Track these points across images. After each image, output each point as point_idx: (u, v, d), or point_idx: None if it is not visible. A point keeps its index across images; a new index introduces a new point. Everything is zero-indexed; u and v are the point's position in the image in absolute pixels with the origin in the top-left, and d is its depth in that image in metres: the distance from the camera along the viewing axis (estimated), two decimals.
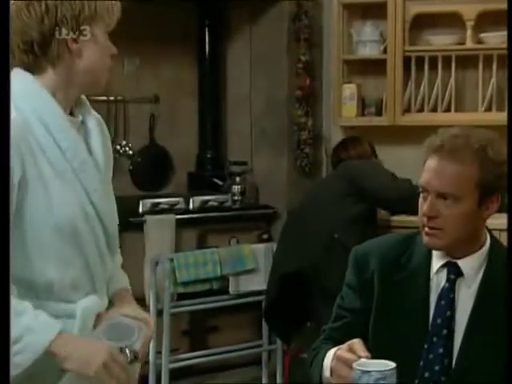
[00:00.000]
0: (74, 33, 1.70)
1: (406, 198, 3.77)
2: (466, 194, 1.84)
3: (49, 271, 1.68)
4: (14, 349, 1.57)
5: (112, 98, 4.62)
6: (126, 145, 4.72)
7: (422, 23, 4.42)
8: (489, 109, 4.31)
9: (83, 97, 1.83)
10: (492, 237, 1.97)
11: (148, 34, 4.60)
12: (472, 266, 1.90)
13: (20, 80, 1.70)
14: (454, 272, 1.90)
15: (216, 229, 4.46)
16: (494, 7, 4.25)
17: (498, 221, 2.23)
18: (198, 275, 4.02)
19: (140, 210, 4.22)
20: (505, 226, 2.03)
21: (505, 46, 4.26)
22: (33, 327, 1.61)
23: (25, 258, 1.66)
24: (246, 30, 4.79)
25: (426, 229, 1.87)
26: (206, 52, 4.82)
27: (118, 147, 4.65)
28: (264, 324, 4.29)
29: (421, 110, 4.40)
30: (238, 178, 4.66)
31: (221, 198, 4.55)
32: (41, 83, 1.72)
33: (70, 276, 1.71)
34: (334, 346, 1.89)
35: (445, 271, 1.91)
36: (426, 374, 1.88)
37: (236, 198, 4.61)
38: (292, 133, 4.60)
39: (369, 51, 4.50)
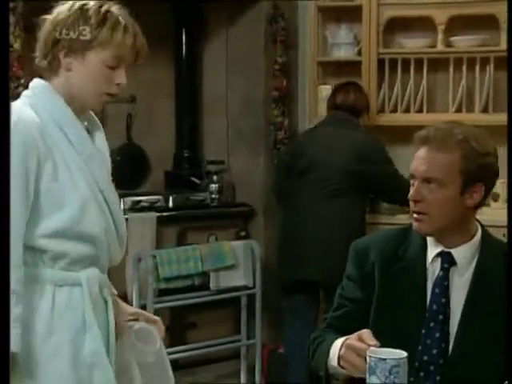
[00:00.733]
0: (66, 51, 1.91)
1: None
2: (449, 180, 1.97)
3: (59, 244, 1.86)
4: None
5: None
6: None
7: (395, 27, 4.56)
8: (459, 110, 4.46)
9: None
10: (483, 228, 2.09)
11: None
12: (464, 255, 2.03)
13: (37, 85, 1.96)
14: (448, 261, 2.02)
15: (195, 226, 4.54)
16: (464, 12, 4.42)
17: None
18: (180, 271, 4.10)
19: (121, 207, 4.28)
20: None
21: (474, 49, 4.45)
22: None
23: (38, 231, 1.85)
24: (223, 31, 4.87)
25: (415, 214, 2.01)
26: (183, 53, 4.88)
27: None
28: (243, 319, 4.38)
29: (394, 110, 4.54)
30: (215, 177, 4.74)
31: (200, 196, 4.64)
32: (53, 86, 1.94)
33: (78, 251, 1.88)
34: (336, 335, 2.00)
35: (439, 260, 2.03)
36: (425, 358, 2.00)
37: (213, 196, 4.69)
38: (268, 132, 4.69)
39: (343, 53, 4.63)
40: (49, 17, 1.95)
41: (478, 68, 4.42)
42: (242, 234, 4.67)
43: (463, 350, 1.98)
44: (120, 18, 1.93)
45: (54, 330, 1.85)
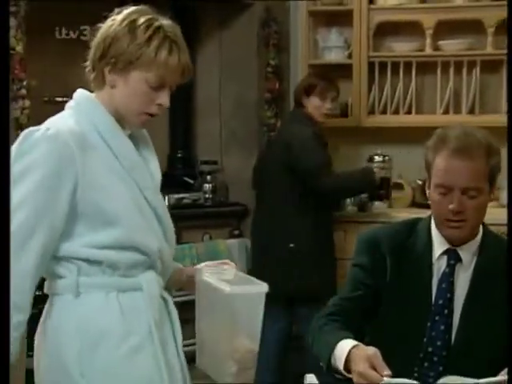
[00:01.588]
0: (111, 67, 1.88)
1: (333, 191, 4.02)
2: (484, 185, 2.07)
3: (111, 255, 1.87)
4: None
5: None
6: None
7: (384, 31, 4.69)
8: (446, 111, 4.60)
9: None
10: (484, 225, 2.20)
11: None
12: (469, 252, 2.14)
13: (80, 96, 1.95)
14: (454, 258, 2.13)
15: (190, 225, 4.63)
16: (452, 17, 4.56)
17: None
18: None
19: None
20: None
21: (461, 53, 4.58)
22: None
23: (87, 243, 1.86)
24: (217, 34, 4.97)
25: (452, 223, 2.07)
26: None
27: None
28: None
29: (384, 112, 4.67)
30: (208, 177, 4.84)
31: (194, 195, 4.73)
32: (98, 98, 1.93)
33: (132, 259, 1.90)
34: (342, 326, 2.09)
35: (445, 258, 2.14)
36: (430, 349, 2.11)
37: (207, 195, 4.79)
38: (261, 133, 4.81)
39: (334, 56, 4.75)
40: (102, 26, 1.92)
41: (464, 71, 4.56)
42: (236, 232, 4.77)
43: (465, 341, 2.09)
44: (168, 37, 1.87)
45: (130, 330, 1.89)
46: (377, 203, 4.55)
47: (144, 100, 1.89)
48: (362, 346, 1.95)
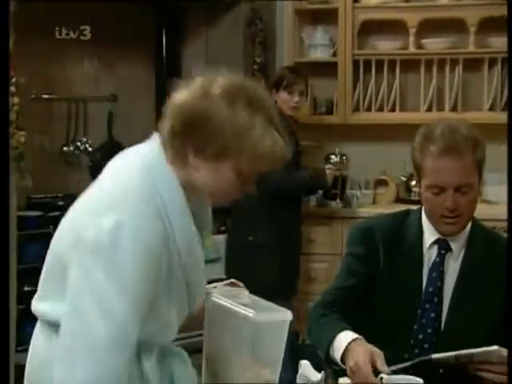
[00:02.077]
0: (197, 152, 1.60)
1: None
2: (475, 180, 2.12)
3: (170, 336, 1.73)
4: None
5: (72, 97, 4.77)
6: (86, 142, 4.86)
7: (369, 29, 4.76)
8: (429, 109, 4.69)
9: None
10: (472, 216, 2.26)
11: (107, 35, 4.77)
12: (459, 242, 2.19)
13: (158, 167, 1.63)
14: (444, 248, 2.19)
15: None
16: (435, 16, 4.64)
17: None
18: None
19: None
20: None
21: (444, 51, 4.66)
22: None
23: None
24: (203, 32, 5.01)
25: (448, 219, 2.11)
26: (163, 52, 5.01)
27: (78, 144, 4.81)
28: None
29: (369, 109, 4.74)
30: None
31: None
32: (171, 165, 1.64)
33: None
34: (339, 314, 2.15)
35: (436, 247, 2.19)
36: (420, 336, 2.16)
37: None
38: None
39: (319, 54, 4.82)
40: (186, 94, 1.62)
41: (447, 69, 4.64)
42: (222, 228, 4.81)
43: (454, 328, 2.15)
44: (272, 123, 1.61)
45: None
46: (331, 202, 4.59)
47: (230, 189, 1.64)
48: (361, 339, 2.00)
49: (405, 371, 1.91)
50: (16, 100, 3.95)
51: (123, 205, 1.55)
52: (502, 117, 4.31)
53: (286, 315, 1.75)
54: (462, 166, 2.07)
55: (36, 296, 1.75)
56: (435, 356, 1.98)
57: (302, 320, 4.28)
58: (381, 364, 1.89)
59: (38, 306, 1.72)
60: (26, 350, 1.84)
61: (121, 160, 1.70)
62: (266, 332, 1.72)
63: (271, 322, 1.74)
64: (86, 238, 1.53)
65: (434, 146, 2.08)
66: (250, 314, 1.66)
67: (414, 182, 4.64)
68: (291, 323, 1.72)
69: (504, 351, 1.89)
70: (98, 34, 4.67)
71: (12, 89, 3.95)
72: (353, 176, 4.81)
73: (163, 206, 1.59)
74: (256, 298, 1.85)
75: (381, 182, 4.77)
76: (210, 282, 4.46)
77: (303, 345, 4.14)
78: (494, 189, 4.46)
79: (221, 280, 4.49)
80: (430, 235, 2.21)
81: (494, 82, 4.61)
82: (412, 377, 1.85)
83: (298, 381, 1.84)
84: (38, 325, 1.75)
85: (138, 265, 1.52)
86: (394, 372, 1.89)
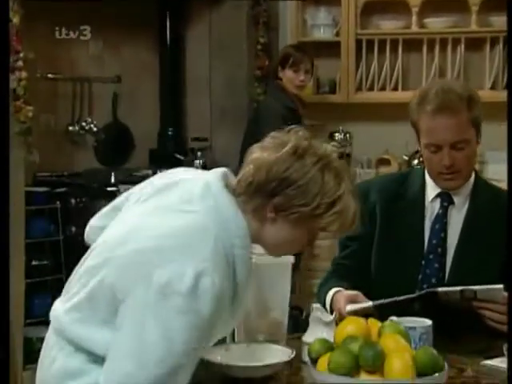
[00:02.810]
0: (279, 208, 1.62)
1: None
2: (471, 135, 2.17)
3: None
4: None
5: (77, 77, 4.82)
6: (91, 122, 4.91)
7: (372, 9, 4.79)
8: None
9: None
10: (475, 170, 2.32)
11: (111, 17, 4.82)
12: (461, 195, 2.25)
13: (229, 213, 1.63)
14: (447, 200, 2.24)
15: None
16: None
17: None
18: None
19: (112, 180, 4.44)
20: None
21: (446, 30, 4.70)
22: None
23: None
24: (206, 13, 5.06)
25: (446, 175, 2.18)
26: (167, 35, 5.05)
27: (84, 124, 4.85)
28: None
29: (371, 88, 4.78)
30: (199, 153, 4.92)
31: None
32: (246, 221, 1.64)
33: None
34: (340, 278, 2.24)
35: (438, 200, 2.25)
36: (425, 286, 2.21)
37: None
38: (251, 110, 4.90)
39: (322, 34, 4.86)
40: (286, 150, 1.62)
41: (449, 48, 4.68)
42: None
43: (458, 277, 2.19)
44: (350, 189, 1.66)
45: None
46: None
47: (297, 245, 1.70)
48: (342, 290, 2.11)
49: (411, 303, 1.95)
50: (24, 75, 4.00)
51: (201, 250, 1.54)
52: (503, 95, 4.33)
53: (287, 258, 1.80)
54: (456, 124, 2.13)
55: (64, 308, 1.68)
56: (441, 289, 2.02)
57: (305, 296, 4.37)
58: (356, 296, 2.01)
59: (69, 322, 1.65)
60: (34, 324, 1.77)
61: (185, 188, 1.68)
62: (267, 274, 1.76)
63: (272, 264, 1.78)
64: (162, 280, 1.50)
65: (428, 105, 2.14)
66: (252, 259, 1.66)
67: (416, 161, 4.68)
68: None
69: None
70: (103, 16, 4.72)
71: (20, 63, 4.00)
72: (355, 155, 4.86)
73: (230, 250, 1.59)
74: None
75: (383, 161, 4.81)
76: None
77: (307, 320, 4.18)
78: (495, 167, 4.51)
79: None
80: (432, 189, 2.26)
81: (495, 60, 4.65)
82: (421, 318, 1.89)
83: (310, 323, 1.88)
84: (54, 338, 1.69)
85: (211, 315, 1.51)
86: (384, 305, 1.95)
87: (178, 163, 4.94)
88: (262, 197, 1.62)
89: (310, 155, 1.62)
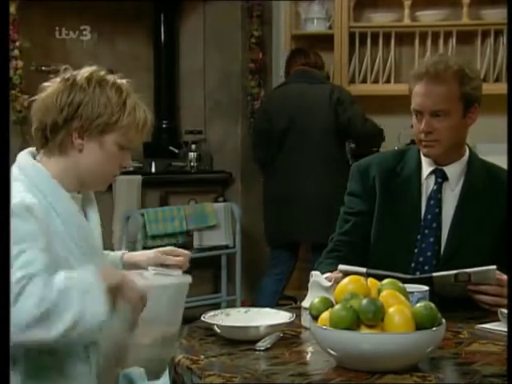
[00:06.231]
0: (81, 130, 1.77)
1: (374, 134, 4.20)
2: (453, 108, 2.22)
3: None
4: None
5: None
6: None
7: (364, 2, 4.86)
8: None
9: None
10: (470, 148, 2.37)
11: (105, 10, 4.85)
12: (455, 171, 2.29)
13: (26, 166, 1.78)
14: (441, 176, 2.29)
15: (176, 191, 4.75)
16: None
17: None
18: (166, 229, 4.32)
19: None
20: None
21: (438, 23, 4.75)
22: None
23: None
24: (200, 6, 5.10)
25: (425, 142, 2.24)
26: (161, 28, 5.09)
27: None
28: (223, 276, 4.62)
29: (364, 81, 4.83)
30: (193, 146, 4.95)
31: (180, 162, 4.86)
32: (47, 166, 1.79)
33: None
34: (337, 258, 2.26)
35: (433, 177, 2.29)
36: (420, 259, 2.26)
37: (192, 164, 4.91)
38: (245, 103, 4.94)
39: (316, 27, 4.91)
40: (57, 84, 1.78)
41: (441, 41, 4.74)
42: (220, 199, 4.89)
43: (452, 251, 2.25)
44: (134, 96, 1.84)
45: None
46: None
47: (115, 163, 1.82)
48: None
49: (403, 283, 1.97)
50: (20, 64, 4.03)
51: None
52: (494, 87, 4.42)
53: (180, 279, 1.88)
54: (440, 93, 2.19)
55: None
56: (435, 274, 2.05)
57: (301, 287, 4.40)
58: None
59: None
60: None
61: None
62: (162, 295, 1.82)
63: (164, 285, 1.84)
64: None
65: (417, 72, 2.21)
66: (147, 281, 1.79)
67: None
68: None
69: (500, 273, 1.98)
70: (97, 9, 4.76)
71: (16, 52, 4.03)
72: (348, 147, 4.89)
73: (40, 194, 1.73)
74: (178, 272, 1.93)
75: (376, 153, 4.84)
76: (210, 249, 4.47)
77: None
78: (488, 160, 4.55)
79: (227, 247, 4.59)
80: (427, 166, 2.31)
81: (486, 54, 4.71)
82: (417, 285, 1.91)
83: (310, 288, 1.91)
84: None
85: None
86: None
87: (172, 156, 4.98)
88: (60, 130, 1.76)
89: (83, 79, 1.78)
